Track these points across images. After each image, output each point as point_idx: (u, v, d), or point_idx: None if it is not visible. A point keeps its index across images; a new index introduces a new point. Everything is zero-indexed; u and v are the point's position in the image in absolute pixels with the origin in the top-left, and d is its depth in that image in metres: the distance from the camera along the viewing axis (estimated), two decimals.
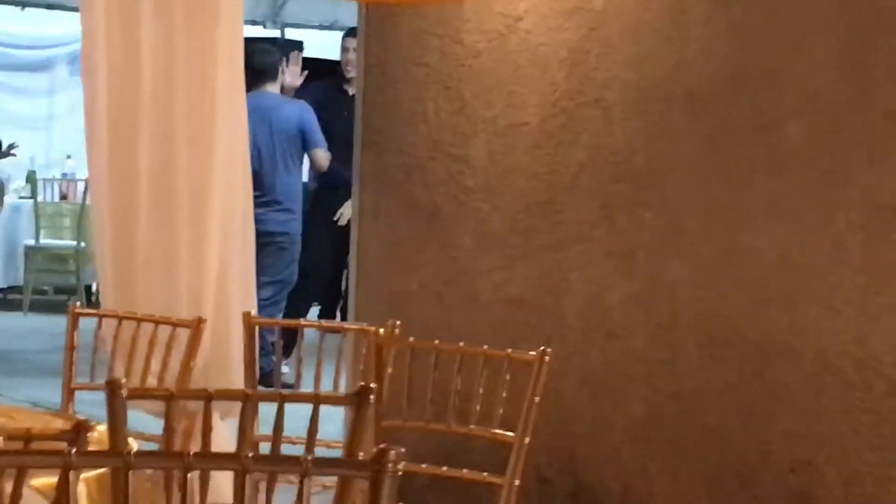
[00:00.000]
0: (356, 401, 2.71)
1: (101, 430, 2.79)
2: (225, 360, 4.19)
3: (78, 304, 4.54)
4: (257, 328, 4.26)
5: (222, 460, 2.32)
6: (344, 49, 7.55)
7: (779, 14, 4.38)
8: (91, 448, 2.27)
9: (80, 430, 2.18)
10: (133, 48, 4.32)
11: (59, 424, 3.00)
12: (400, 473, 2.00)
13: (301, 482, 2.06)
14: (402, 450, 2.02)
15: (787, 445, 4.31)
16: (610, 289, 4.76)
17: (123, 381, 2.77)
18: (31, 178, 10.34)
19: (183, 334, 3.98)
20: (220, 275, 4.30)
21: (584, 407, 4.85)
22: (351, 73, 7.20)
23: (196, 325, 3.85)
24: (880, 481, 4.01)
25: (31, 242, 10.22)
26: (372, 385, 2.94)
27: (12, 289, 10.46)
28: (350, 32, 7.48)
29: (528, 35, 4.94)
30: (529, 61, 4.95)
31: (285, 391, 2.94)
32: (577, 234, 4.87)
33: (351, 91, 7.00)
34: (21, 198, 10.52)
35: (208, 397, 2.74)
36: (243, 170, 4.42)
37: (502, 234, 5.07)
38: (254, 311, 4.31)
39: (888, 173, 4.10)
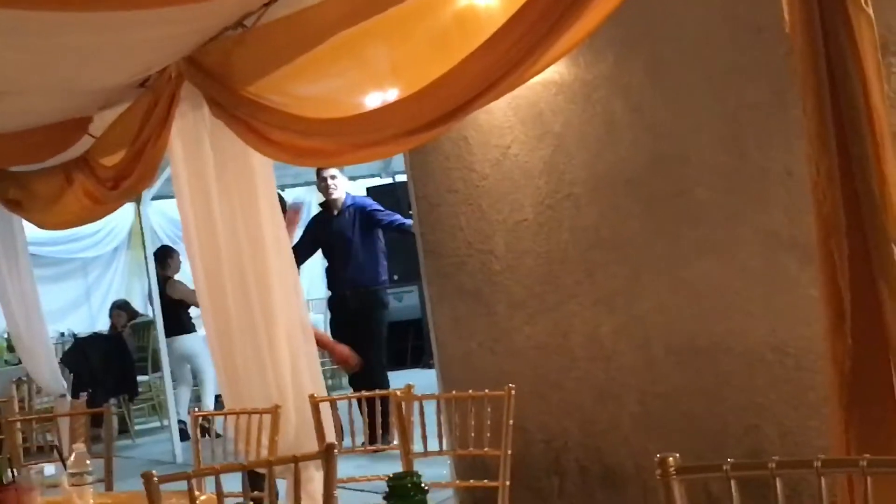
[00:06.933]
0: (325, 455, 2.77)
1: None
2: (310, 430, 4.17)
3: (196, 409, 4.66)
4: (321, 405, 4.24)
5: None
6: (322, 179, 7.26)
7: (678, 112, 4.56)
8: None
9: None
10: (208, 215, 4.49)
11: None
12: None
13: None
14: None
15: (738, 416, 4.44)
16: (601, 326, 5.01)
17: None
18: None
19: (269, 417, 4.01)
20: (293, 368, 4.29)
21: (599, 412, 5.05)
22: (333, 195, 7.18)
23: (274, 411, 3.85)
24: (805, 432, 4.14)
25: None
26: (334, 442, 3.00)
27: None
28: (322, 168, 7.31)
29: (516, 157, 5.27)
30: (520, 174, 5.26)
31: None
32: (572, 291, 5.11)
33: (335, 210, 7.12)
34: None
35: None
36: (295, 288, 4.45)
37: (524, 300, 5.34)
38: (319, 393, 4.29)
39: (769, 214, 4.24)
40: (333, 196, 7.20)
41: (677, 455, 1.90)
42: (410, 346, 10.83)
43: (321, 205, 7.39)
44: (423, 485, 1.08)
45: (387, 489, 1.09)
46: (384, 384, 7.14)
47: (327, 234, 7.18)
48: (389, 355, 8.00)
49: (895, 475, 1.74)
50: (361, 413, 3.99)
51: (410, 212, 8.76)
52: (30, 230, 7.06)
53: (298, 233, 7.73)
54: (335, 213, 7.17)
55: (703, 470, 1.93)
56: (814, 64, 2.29)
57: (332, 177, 7.12)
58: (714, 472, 1.84)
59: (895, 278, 2.20)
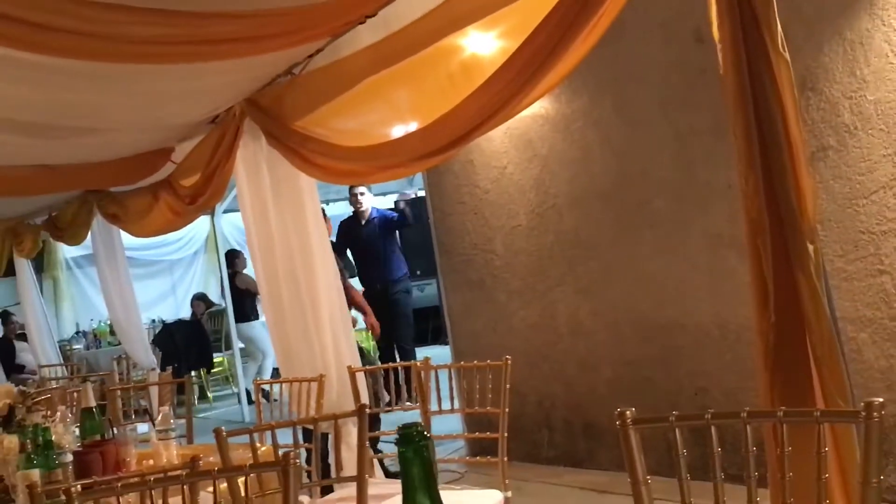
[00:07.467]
0: (358, 413, 2.75)
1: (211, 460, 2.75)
2: (348, 394, 4.11)
3: (258, 378, 4.36)
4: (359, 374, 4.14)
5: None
6: (353, 195, 7.09)
7: (639, 139, 4.58)
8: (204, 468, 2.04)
9: (194, 459, 2.07)
10: (266, 224, 4.42)
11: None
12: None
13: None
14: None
15: (690, 380, 4.48)
16: (580, 309, 5.02)
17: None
18: None
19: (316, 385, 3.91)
20: (334, 345, 4.25)
21: (580, 377, 5.05)
22: (361, 208, 7.07)
23: (319, 379, 3.83)
24: (744, 392, 4.12)
25: None
26: (366, 403, 2.91)
27: None
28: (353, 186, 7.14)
29: (512, 175, 5.27)
30: (515, 189, 5.26)
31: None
32: (557, 282, 5.12)
33: (363, 221, 7.05)
34: None
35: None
36: (335, 282, 4.35)
37: (520, 289, 5.34)
38: (355, 365, 4.22)
39: (713, 219, 4.25)
40: (361, 208, 7.24)
41: (633, 409, 1.90)
42: (431, 326, 10.80)
43: (352, 214, 7.47)
44: (424, 432, 1.11)
45: (397, 436, 1.12)
46: (412, 356, 7.17)
47: (358, 240, 7.22)
48: (414, 334, 7.98)
49: (805, 423, 1.76)
50: (387, 383, 3.93)
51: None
52: (126, 238, 7.11)
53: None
54: (362, 222, 7.21)
55: (654, 421, 1.93)
56: (742, 98, 2.30)
57: (361, 194, 7.17)
58: (662, 422, 1.84)
59: (809, 268, 2.20)
